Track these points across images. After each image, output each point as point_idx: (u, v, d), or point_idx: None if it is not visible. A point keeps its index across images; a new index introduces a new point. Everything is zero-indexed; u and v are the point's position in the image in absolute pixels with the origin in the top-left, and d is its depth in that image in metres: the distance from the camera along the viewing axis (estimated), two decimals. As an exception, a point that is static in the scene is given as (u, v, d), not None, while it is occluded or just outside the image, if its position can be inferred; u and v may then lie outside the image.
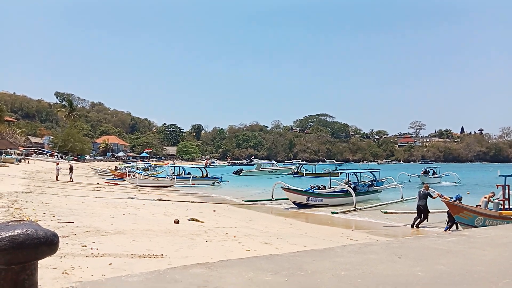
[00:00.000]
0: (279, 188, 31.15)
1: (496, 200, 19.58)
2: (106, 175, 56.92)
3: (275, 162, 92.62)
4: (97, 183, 41.77)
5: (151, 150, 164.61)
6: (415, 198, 24.67)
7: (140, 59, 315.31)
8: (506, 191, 20.06)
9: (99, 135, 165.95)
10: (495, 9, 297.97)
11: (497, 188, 21.27)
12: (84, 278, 7.26)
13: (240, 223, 17.86)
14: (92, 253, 9.59)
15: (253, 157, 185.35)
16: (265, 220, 20.41)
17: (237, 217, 20.90)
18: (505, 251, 5.75)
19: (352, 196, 28.06)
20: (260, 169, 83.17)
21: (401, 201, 31.26)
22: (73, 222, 14.03)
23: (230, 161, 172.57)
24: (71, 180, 40.54)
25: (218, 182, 51.84)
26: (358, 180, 35.61)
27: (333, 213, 25.55)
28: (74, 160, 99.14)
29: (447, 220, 19.43)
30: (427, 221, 20.76)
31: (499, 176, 21.93)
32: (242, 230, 15.52)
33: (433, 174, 57.86)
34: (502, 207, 19.43)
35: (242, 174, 79.72)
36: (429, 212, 20.88)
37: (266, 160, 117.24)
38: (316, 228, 18.91)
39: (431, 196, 21.53)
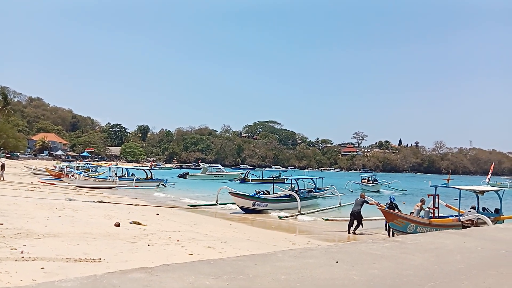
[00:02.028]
0: (225, 192, 31.37)
1: (427, 209, 20.81)
2: (42, 175, 53.86)
3: (221, 167, 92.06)
4: (31, 182, 39.57)
5: (93, 150, 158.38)
6: (351, 204, 24.82)
7: (84, 54, 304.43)
8: (436, 200, 21.47)
9: (36, 132, 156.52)
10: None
11: (428, 197, 22.65)
12: (12, 284, 6.93)
13: (184, 227, 17.68)
14: (23, 257, 9.19)
15: (200, 161, 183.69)
16: (209, 224, 20.33)
17: (181, 221, 20.63)
18: (431, 256, 6.09)
19: (296, 201, 28.67)
20: (206, 174, 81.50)
21: (338, 206, 33.28)
22: (1, 224, 13.45)
23: (177, 164, 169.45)
24: (1, 178, 38.65)
25: (163, 185, 50.59)
26: (298, 186, 36.48)
27: (280, 217, 26.30)
28: (6, 157, 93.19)
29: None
30: (361, 226, 21.32)
31: (431, 186, 23.39)
32: (186, 234, 15.40)
33: (372, 182, 60.40)
34: (432, 215, 20.70)
35: (187, 177, 77.82)
36: (362, 218, 21.39)
37: (213, 165, 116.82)
38: (260, 233, 19.03)
39: (367, 203, 22.42)
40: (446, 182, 32.69)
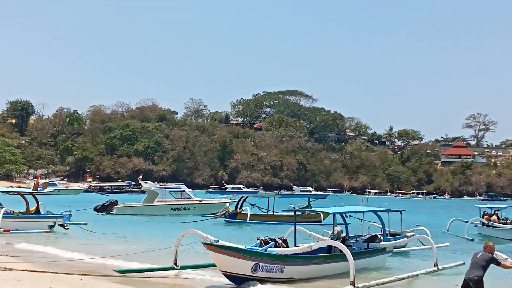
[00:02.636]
0: (194, 242, 22.24)
1: None
2: None
3: (187, 189, 65.00)
4: None
5: None
6: (462, 264, 21.79)
7: None
8: None
9: None
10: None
11: None
12: None
13: None
14: None
15: (141, 176, 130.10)
16: None
17: None
18: None
19: (343, 261, 19.62)
20: (155, 203, 57.96)
21: (435, 271, 22.78)
22: None
23: (92, 184, 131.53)
24: None
25: (62, 225, 35.73)
26: (347, 229, 25.45)
27: None
28: None
29: None
30: None
31: None
32: None
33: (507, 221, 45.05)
34: None
35: (115, 211, 56.39)
36: None
37: (170, 185, 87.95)
38: None
39: (498, 264, 14.39)
40: None
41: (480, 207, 48.71)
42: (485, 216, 44.04)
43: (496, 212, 45.37)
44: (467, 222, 45.90)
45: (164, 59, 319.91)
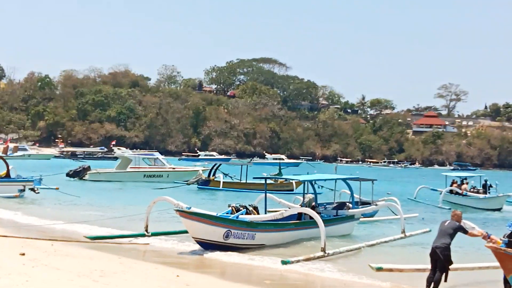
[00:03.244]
0: (165, 209, 23.30)
1: None
2: None
3: (160, 156, 65.32)
4: None
5: None
6: (428, 231, 22.80)
7: None
8: None
9: None
10: None
11: None
12: None
13: (79, 282, 12.54)
14: None
15: (114, 142, 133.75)
16: (133, 277, 14.18)
17: (74, 268, 14.26)
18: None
19: (314, 228, 20.04)
20: (128, 169, 57.46)
21: (402, 238, 23.42)
22: None
23: (63, 149, 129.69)
24: None
25: (33, 190, 35.09)
26: (316, 197, 25.98)
27: (284, 262, 17.57)
28: None
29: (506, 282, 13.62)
30: (445, 280, 14.09)
31: None
32: None
33: (485, 189, 44.40)
34: None
35: (88, 177, 55.45)
36: (451, 263, 14.22)
37: (143, 151, 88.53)
38: None
39: (465, 232, 14.72)
40: None
41: (446, 175, 49.58)
42: (454, 185, 44.56)
43: (466, 181, 45.88)
44: (435, 190, 47.22)
45: (137, 24, 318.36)
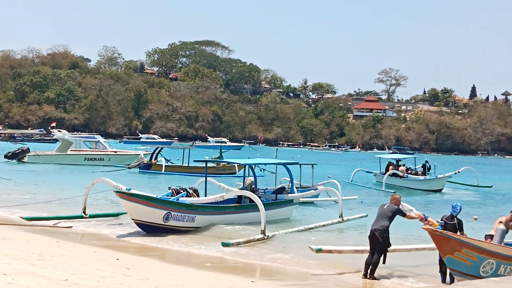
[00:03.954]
0: (104, 191, 22.88)
1: None
2: None
3: (102, 140, 63.24)
4: None
5: None
6: (365, 216, 23.20)
7: None
8: None
9: None
10: None
11: None
12: None
13: (16, 265, 11.84)
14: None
15: (54, 124, 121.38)
16: (71, 259, 13.70)
17: (10, 251, 13.74)
18: None
19: (254, 211, 20.27)
20: (69, 152, 56.08)
21: (340, 222, 23.54)
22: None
23: (1, 131, 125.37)
24: None
25: None
26: (256, 181, 25.91)
27: (224, 244, 17.89)
28: None
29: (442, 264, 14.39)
30: (383, 262, 14.45)
31: None
32: (20, 281, 10.29)
33: (424, 170, 45.27)
34: None
35: (26, 159, 54.26)
36: (389, 245, 14.68)
37: (84, 134, 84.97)
38: (183, 277, 13.31)
39: (403, 215, 15.07)
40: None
41: (380, 157, 50.34)
42: (391, 167, 45.06)
43: (403, 163, 46.65)
44: (370, 172, 48.47)
45: (77, 4, 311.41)
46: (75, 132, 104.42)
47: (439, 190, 42.60)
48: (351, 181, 45.14)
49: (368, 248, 15.55)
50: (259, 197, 22.55)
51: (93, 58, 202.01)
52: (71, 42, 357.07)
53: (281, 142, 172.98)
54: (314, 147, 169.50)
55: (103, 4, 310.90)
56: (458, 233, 14.37)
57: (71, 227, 21.04)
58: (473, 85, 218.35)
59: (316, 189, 29.70)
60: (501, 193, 44.34)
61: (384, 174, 45.14)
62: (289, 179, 28.71)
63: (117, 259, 15.11)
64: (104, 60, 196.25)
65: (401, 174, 44.23)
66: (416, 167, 47.81)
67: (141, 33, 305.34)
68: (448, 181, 45.41)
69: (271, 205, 24.43)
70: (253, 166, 28.16)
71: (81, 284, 11.12)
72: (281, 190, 27.09)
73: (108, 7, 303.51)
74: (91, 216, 22.23)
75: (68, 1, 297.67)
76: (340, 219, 24.32)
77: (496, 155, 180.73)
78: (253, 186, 25.72)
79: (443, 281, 14.51)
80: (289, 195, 26.29)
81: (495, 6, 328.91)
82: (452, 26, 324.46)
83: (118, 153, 58.88)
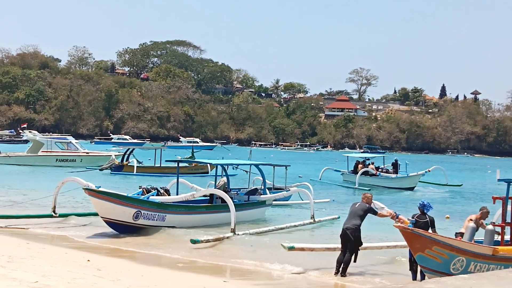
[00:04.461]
0: (74, 192, 22.79)
1: (491, 226, 14.88)
2: None
3: (74, 141, 62.11)
4: None
5: None
6: (337, 218, 23.33)
7: None
8: (510, 208, 15.43)
9: None
10: None
11: (494, 203, 15.38)
12: None
13: None
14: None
15: (24, 125, 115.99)
16: (42, 262, 13.40)
17: None
18: None
19: (225, 211, 20.31)
20: (40, 153, 55.44)
21: (311, 223, 23.56)
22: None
23: None
24: None
25: None
26: (229, 181, 25.95)
27: (193, 241, 17.73)
28: None
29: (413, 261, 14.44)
30: (354, 260, 14.60)
31: (499, 180, 16.58)
32: None
33: (396, 168, 46.13)
34: (500, 238, 15.22)
35: None
36: (361, 244, 14.79)
37: (55, 135, 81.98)
38: (154, 278, 12.99)
39: (375, 213, 15.16)
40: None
41: (348, 156, 50.86)
42: (360, 165, 45.13)
43: (372, 162, 47.14)
44: (338, 171, 48.52)
45: (46, 3, 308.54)
46: (47, 133, 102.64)
47: (412, 188, 43.03)
48: (320, 179, 45.27)
49: (339, 246, 15.60)
50: (232, 198, 22.60)
51: (63, 58, 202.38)
52: (41, 42, 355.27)
53: (254, 142, 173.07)
54: (286, 147, 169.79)
55: (74, 3, 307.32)
56: (430, 231, 14.55)
57: (27, 228, 20.38)
58: (443, 85, 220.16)
59: (289, 190, 29.54)
60: (471, 192, 44.74)
61: (352, 172, 45.65)
62: (266, 180, 29.28)
63: (88, 260, 14.98)
64: (75, 60, 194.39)
65: (373, 171, 44.47)
66: (384, 166, 47.84)
67: (112, 33, 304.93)
68: (419, 181, 45.90)
69: (244, 206, 24.60)
70: (226, 166, 27.96)
71: (51, 286, 10.90)
72: (254, 192, 26.98)
73: (79, 7, 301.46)
74: (61, 216, 22.05)
75: (38, 1, 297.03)
76: (312, 220, 24.38)
77: (465, 153, 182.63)
78: (226, 186, 25.37)
79: (414, 278, 14.61)
80: (261, 196, 26.20)
81: (464, 6, 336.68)
82: (421, 26, 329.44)
83: (90, 154, 58.31)
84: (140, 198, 20.91)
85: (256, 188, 27.86)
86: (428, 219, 14.84)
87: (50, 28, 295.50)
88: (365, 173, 44.37)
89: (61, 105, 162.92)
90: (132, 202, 20.07)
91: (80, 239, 19.28)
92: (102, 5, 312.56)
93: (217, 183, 25.72)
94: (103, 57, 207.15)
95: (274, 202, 28.20)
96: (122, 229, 19.78)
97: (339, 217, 24.43)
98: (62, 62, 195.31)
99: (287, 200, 31.01)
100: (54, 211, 21.78)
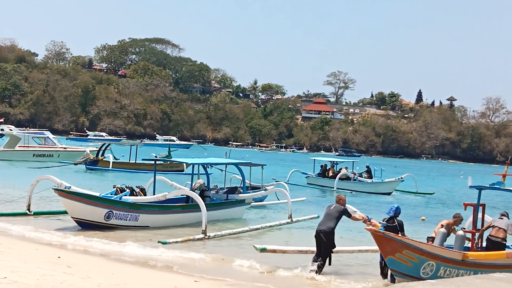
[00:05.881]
0: (47, 189, 21.25)
1: (461, 231, 15.17)
2: None
3: (51, 136, 61.81)
4: None
5: None
6: (316, 217, 22.99)
7: None
8: (480, 215, 15.98)
9: None
10: None
11: (465, 209, 16.07)
12: None
13: None
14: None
15: (2, 120, 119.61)
16: (12, 258, 13.33)
17: None
18: None
19: (198, 211, 19.86)
20: (17, 148, 55.00)
21: (289, 223, 23.67)
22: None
23: None
24: None
25: None
26: (208, 181, 26.28)
27: (164, 242, 17.87)
28: None
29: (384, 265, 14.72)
30: (329, 263, 14.77)
31: (471, 187, 17.44)
32: None
33: (370, 174, 46.46)
34: (470, 243, 15.70)
35: None
36: (334, 247, 14.92)
37: (32, 130, 79.44)
38: (124, 276, 13.00)
39: (349, 216, 15.45)
40: (501, 181, 21.20)
41: (314, 159, 50.98)
42: (331, 170, 45.39)
43: (346, 166, 46.69)
44: (305, 173, 48.13)
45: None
46: (23, 128, 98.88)
47: (389, 193, 43.32)
48: (287, 181, 44.34)
49: (312, 248, 15.73)
50: (211, 197, 23.32)
51: (40, 52, 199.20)
52: (18, 36, 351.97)
53: (231, 142, 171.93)
54: (262, 148, 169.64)
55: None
56: (399, 234, 14.59)
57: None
58: (419, 90, 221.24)
59: (266, 189, 29.57)
60: (444, 198, 44.88)
61: (319, 176, 46.03)
62: (240, 178, 28.58)
63: (59, 257, 14.80)
64: (52, 55, 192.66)
65: (351, 175, 44.31)
66: (356, 170, 48.48)
67: (90, 28, 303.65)
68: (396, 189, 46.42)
69: (222, 205, 24.67)
70: (204, 166, 27.78)
71: (20, 282, 10.76)
72: (233, 190, 27.17)
73: (58, 1, 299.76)
74: (36, 214, 21.88)
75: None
76: (289, 220, 24.37)
77: (440, 159, 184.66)
78: (204, 186, 25.28)
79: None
80: (240, 195, 26.16)
81: (442, 11, 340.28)
82: (400, 31, 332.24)
83: (67, 149, 57.94)
84: (112, 198, 20.74)
85: (236, 187, 28.37)
86: (396, 223, 14.94)
87: (28, 22, 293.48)
88: (345, 177, 43.86)
89: (37, 99, 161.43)
90: (103, 202, 20.01)
91: (52, 235, 18.83)
92: (81, 0, 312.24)
93: (193, 184, 25.46)
94: (80, 53, 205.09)
95: (252, 204, 28.02)
96: (93, 228, 19.51)
97: (318, 216, 24.01)
98: (39, 56, 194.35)
99: (262, 201, 30.76)
100: (29, 209, 21.71)
